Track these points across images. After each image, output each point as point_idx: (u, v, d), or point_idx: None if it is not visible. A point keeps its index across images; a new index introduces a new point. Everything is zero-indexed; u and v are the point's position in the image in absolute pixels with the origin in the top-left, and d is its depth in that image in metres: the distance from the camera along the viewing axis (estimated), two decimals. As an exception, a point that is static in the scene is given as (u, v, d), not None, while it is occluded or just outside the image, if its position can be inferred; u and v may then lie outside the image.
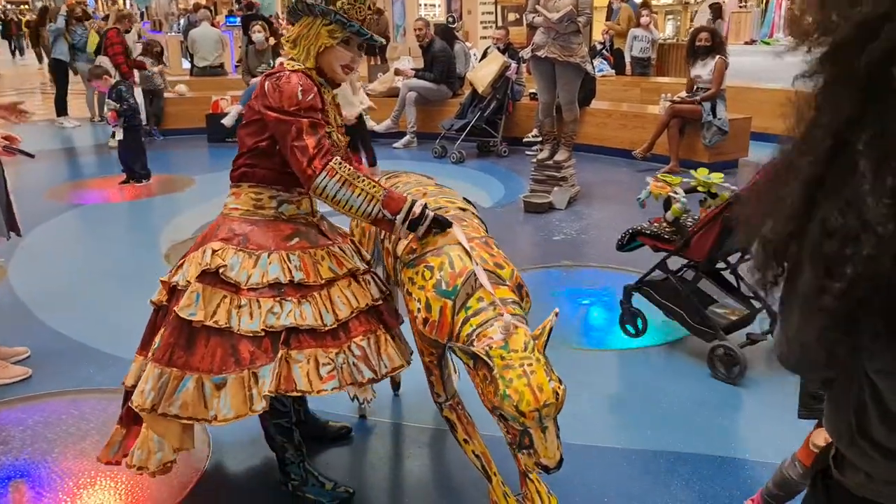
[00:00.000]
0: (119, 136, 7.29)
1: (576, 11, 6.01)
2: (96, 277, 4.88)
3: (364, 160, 6.76)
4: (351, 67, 2.39)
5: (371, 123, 9.10)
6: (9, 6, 35.39)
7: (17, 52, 25.74)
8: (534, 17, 6.23)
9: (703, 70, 7.45)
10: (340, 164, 2.25)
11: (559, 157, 6.69)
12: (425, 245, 2.32)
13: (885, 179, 0.80)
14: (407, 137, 9.28)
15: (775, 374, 3.46)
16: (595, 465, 2.81)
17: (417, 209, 2.28)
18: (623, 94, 10.28)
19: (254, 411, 2.20)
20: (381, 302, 2.46)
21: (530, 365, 1.98)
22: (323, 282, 2.31)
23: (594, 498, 2.62)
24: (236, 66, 12.63)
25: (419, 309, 2.26)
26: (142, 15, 23.00)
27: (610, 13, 13.01)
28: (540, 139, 7.39)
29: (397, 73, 9.83)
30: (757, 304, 3.67)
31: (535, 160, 6.92)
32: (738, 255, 3.65)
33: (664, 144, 7.63)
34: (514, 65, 8.56)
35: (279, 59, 8.14)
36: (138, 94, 9.40)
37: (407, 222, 2.27)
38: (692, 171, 3.74)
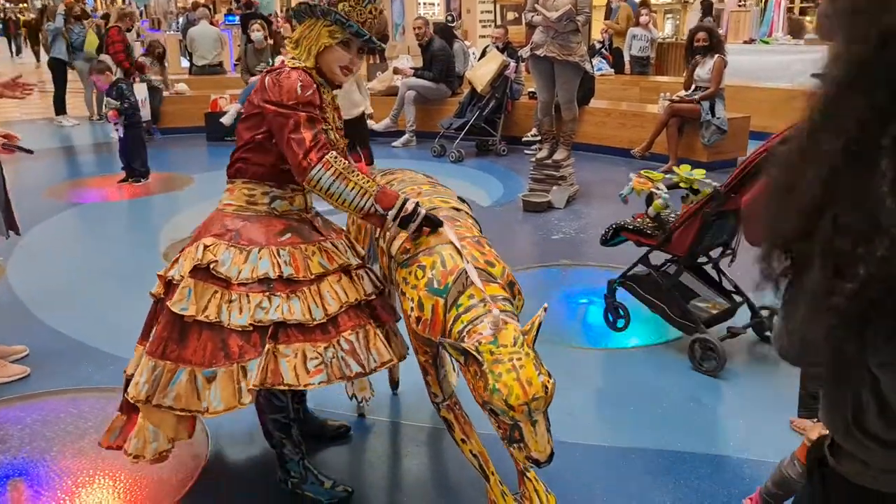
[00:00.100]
0: (120, 134, 7.29)
1: (575, 10, 6.01)
2: (95, 276, 4.88)
3: (362, 159, 6.77)
4: (350, 69, 2.41)
5: (370, 122, 9.11)
6: (8, 4, 35.37)
7: (15, 52, 25.70)
8: (533, 16, 6.23)
9: (702, 69, 7.45)
10: (336, 158, 2.27)
11: (558, 156, 6.69)
12: (418, 245, 2.34)
13: None
14: (406, 136, 9.28)
15: (775, 373, 3.47)
16: (593, 463, 2.82)
17: (410, 206, 2.29)
18: (622, 94, 10.28)
19: (242, 404, 2.23)
20: (374, 297, 2.47)
21: (519, 359, 2.00)
22: (312, 277, 2.32)
23: (593, 497, 2.62)
24: (235, 65, 12.65)
25: (412, 308, 2.27)
26: (140, 13, 22.98)
27: (609, 12, 13.02)
28: (539, 138, 7.40)
29: (396, 71, 9.83)
30: (738, 299, 3.76)
31: (533, 159, 6.93)
32: (720, 250, 3.71)
33: (663, 143, 7.63)
34: (512, 64, 8.56)
35: (279, 58, 8.15)
36: (142, 89, 9.47)
37: (398, 219, 2.29)
38: (675, 168, 3.78)
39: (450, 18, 13.06)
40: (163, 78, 10.40)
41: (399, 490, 2.72)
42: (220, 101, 9.81)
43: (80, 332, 3.95)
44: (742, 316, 3.78)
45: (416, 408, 3.13)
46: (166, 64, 11.09)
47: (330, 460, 2.84)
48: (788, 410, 2.97)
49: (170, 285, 2.37)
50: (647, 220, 3.71)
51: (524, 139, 8.93)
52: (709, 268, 3.84)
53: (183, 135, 9.91)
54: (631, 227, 3.73)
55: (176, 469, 2.78)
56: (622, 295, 3.85)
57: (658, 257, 3.75)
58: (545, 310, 2.15)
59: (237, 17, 14.58)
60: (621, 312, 3.86)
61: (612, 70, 11.77)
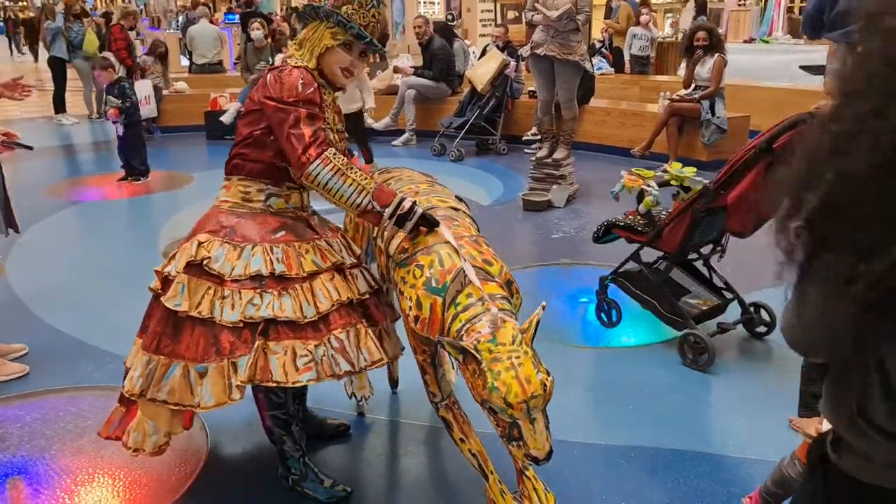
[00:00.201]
0: (119, 132, 7.29)
1: (575, 9, 6.01)
2: (95, 274, 4.88)
3: (360, 158, 6.78)
4: (350, 72, 2.42)
5: (370, 121, 9.11)
6: (7, 2, 35.33)
7: (14, 50, 25.66)
8: (533, 15, 6.23)
9: (702, 68, 7.45)
10: (335, 154, 2.28)
11: (558, 155, 6.69)
12: (416, 245, 2.34)
13: None
14: (406, 135, 9.28)
15: (774, 370, 3.47)
16: (592, 462, 2.82)
17: (407, 205, 2.30)
18: (622, 93, 10.28)
19: (232, 400, 2.25)
20: (367, 296, 2.48)
21: (518, 358, 2.00)
22: (305, 274, 2.33)
23: (591, 495, 2.62)
24: (235, 64, 12.64)
25: (410, 307, 2.27)
26: (140, 12, 22.95)
27: (609, 11, 13.02)
28: (539, 137, 7.40)
29: (396, 70, 9.83)
30: (728, 295, 3.80)
31: (533, 158, 6.93)
32: (710, 247, 3.76)
33: (663, 143, 7.63)
34: (513, 63, 8.56)
35: (279, 56, 8.15)
36: (146, 86, 9.48)
37: (395, 217, 2.29)
38: (666, 165, 3.82)
39: (450, 17, 13.07)
40: (164, 76, 10.40)
41: (398, 489, 2.72)
42: (220, 100, 9.81)
43: (79, 331, 3.95)
44: (732, 312, 3.82)
45: (415, 407, 3.13)
46: (168, 64, 11.09)
47: (329, 459, 2.84)
48: (787, 408, 2.97)
49: (166, 281, 2.39)
50: (638, 217, 3.75)
51: (524, 138, 8.93)
52: (700, 265, 3.88)
53: (182, 133, 9.90)
54: (622, 223, 3.77)
55: (176, 467, 2.78)
56: (614, 292, 3.89)
57: (650, 254, 3.79)
58: (543, 308, 2.15)
59: (237, 16, 14.58)
60: (613, 309, 3.91)
61: (612, 69, 11.77)
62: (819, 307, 0.96)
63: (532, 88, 8.23)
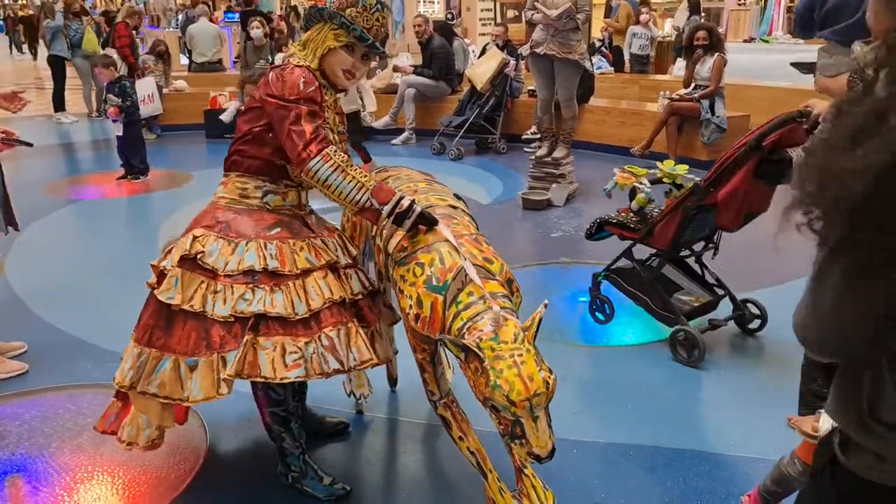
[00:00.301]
0: (119, 131, 7.29)
1: (574, 8, 6.01)
2: (94, 273, 4.88)
3: (357, 159, 6.79)
4: (352, 73, 2.43)
5: (369, 120, 9.11)
6: (7, 1, 35.27)
7: (13, 48, 25.61)
8: (533, 14, 6.23)
9: (702, 67, 7.45)
10: (336, 151, 2.29)
11: (557, 153, 6.69)
12: (416, 243, 2.34)
13: None
14: (405, 134, 9.27)
15: (773, 369, 3.47)
16: (591, 460, 2.82)
17: (405, 203, 2.30)
18: (622, 92, 10.27)
19: (220, 394, 2.27)
20: (360, 297, 2.49)
21: (520, 355, 1.99)
22: (298, 271, 2.34)
23: (591, 493, 2.62)
24: (234, 62, 12.64)
25: (411, 305, 2.27)
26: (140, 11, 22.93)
27: (609, 10, 13.03)
28: (538, 136, 7.40)
29: (396, 69, 9.82)
30: (720, 292, 3.84)
31: (533, 157, 6.93)
32: (702, 244, 3.79)
33: (663, 142, 7.62)
34: (512, 62, 8.55)
35: (279, 55, 8.16)
36: (150, 83, 9.51)
37: (393, 215, 2.29)
38: (658, 163, 3.85)
39: (450, 16, 13.07)
40: (165, 75, 10.40)
41: (397, 487, 2.72)
42: (220, 99, 9.80)
43: (78, 329, 3.95)
44: (725, 310, 3.86)
45: (414, 405, 3.13)
46: (169, 62, 11.08)
47: (328, 457, 2.84)
48: (784, 406, 2.97)
49: (162, 275, 2.40)
50: (631, 214, 3.78)
51: (523, 137, 8.92)
52: (692, 261, 3.91)
53: (182, 132, 9.89)
54: (614, 221, 3.80)
55: (175, 464, 2.78)
56: (607, 289, 3.93)
57: (643, 252, 3.82)
58: (545, 306, 2.15)
59: (237, 14, 14.57)
60: (605, 306, 3.95)
61: (612, 68, 11.76)
62: (835, 306, 0.95)
63: (532, 87, 8.23)
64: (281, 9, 20.07)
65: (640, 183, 3.71)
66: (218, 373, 2.26)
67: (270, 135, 2.35)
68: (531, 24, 6.56)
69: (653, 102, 8.62)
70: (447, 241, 2.28)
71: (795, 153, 3.12)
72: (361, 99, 6.90)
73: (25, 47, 23.18)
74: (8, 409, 3.21)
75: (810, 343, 1.04)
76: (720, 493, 2.62)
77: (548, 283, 4.78)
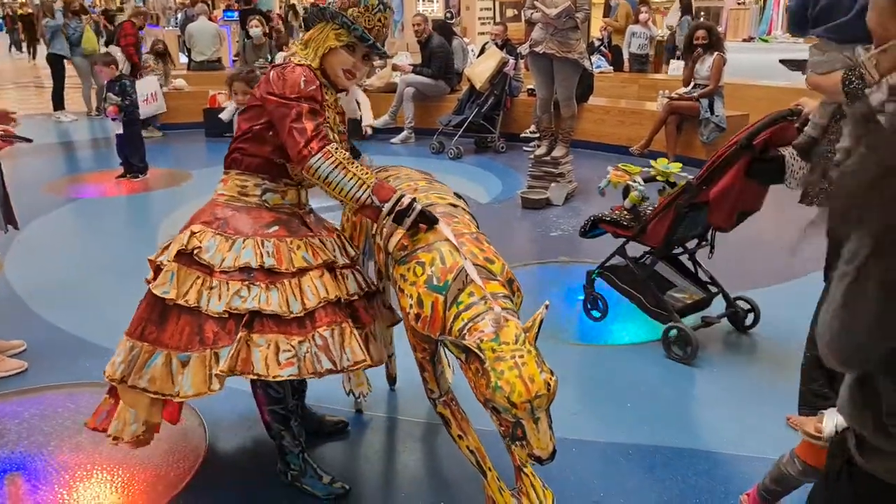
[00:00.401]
0: (118, 130, 7.28)
1: (574, 7, 6.01)
2: (93, 271, 4.88)
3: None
4: (353, 73, 2.43)
5: (368, 118, 9.10)
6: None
7: (13, 47, 25.55)
8: (532, 13, 6.23)
9: (702, 67, 7.45)
10: (337, 149, 2.29)
11: (557, 153, 6.70)
12: (416, 242, 2.34)
13: None
14: (404, 133, 9.27)
15: (771, 368, 3.48)
16: (591, 459, 2.82)
17: (406, 201, 2.30)
18: (621, 91, 10.28)
19: (212, 391, 2.26)
20: (356, 298, 2.49)
21: (521, 357, 1.99)
22: (294, 270, 2.34)
23: (590, 492, 2.63)
24: (234, 61, 12.64)
25: (411, 305, 2.26)
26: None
27: (608, 9, 13.03)
28: (538, 135, 7.40)
29: (395, 68, 9.83)
30: (713, 289, 3.87)
31: (532, 156, 6.93)
32: (696, 241, 3.82)
33: (662, 141, 7.63)
34: (511, 61, 8.55)
35: (280, 54, 8.17)
36: (153, 82, 9.55)
37: (393, 213, 2.29)
38: (652, 162, 3.89)
39: (449, 15, 13.07)
40: (165, 73, 10.40)
41: (396, 485, 2.72)
42: (219, 97, 9.78)
43: (77, 327, 3.95)
44: (718, 307, 3.89)
45: (413, 404, 3.13)
46: (169, 61, 11.08)
47: (328, 455, 2.84)
48: (781, 404, 2.97)
49: (158, 269, 2.41)
50: (624, 212, 3.81)
51: (522, 135, 8.94)
52: (685, 259, 3.94)
53: (181, 130, 9.89)
54: (608, 218, 3.84)
55: (174, 463, 2.79)
56: (601, 286, 3.96)
57: (638, 249, 3.84)
58: (546, 307, 2.14)
59: (236, 13, 14.56)
60: (599, 303, 3.99)
61: (611, 67, 11.77)
62: (878, 318, 0.95)
63: (531, 86, 8.23)
64: (280, 7, 20.06)
65: (634, 181, 3.74)
66: (210, 369, 2.26)
67: (271, 133, 2.35)
68: (530, 23, 6.56)
69: (652, 101, 8.62)
70: (448, 240, 2.28)
71: (787, 152, 3.13)
72: (360, 108, 6.90)
73: (25, 46, 23.11)
74: (7, 408, 3.21)
75: (842, 353, 1.04)
76: (719, 492, 2.62)
77: (547, 282, 4.78)
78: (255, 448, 2.90)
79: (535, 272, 4.88)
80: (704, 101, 7.47)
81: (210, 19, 12.84)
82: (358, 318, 2.48)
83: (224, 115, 9.20)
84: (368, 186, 2.29)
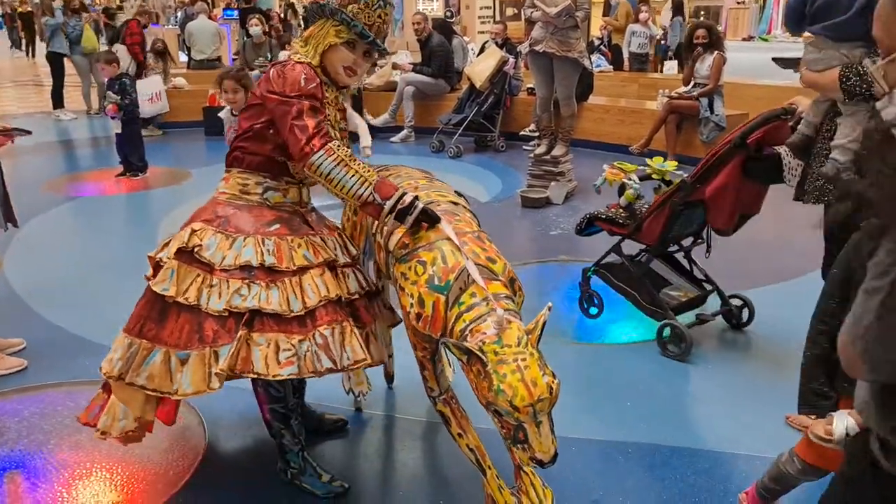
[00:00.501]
0: (117, 129, 7.28)
1: (574, 6, 6.01)
2: (93, 270, 4.88)
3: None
4: (353, 70, 2.42)
5: (368, 117, 9.10)
6: (6, -3, 35.12)
7: (13, 45, 25.51)
8: (532, 12, 6.23)
9: (702, 66, 7.45)
10: (338, 146, 2.29)
11: (556, 152, 6.70)
12: (417, 240, 2.33)
13: None
14: (404, 132, 9.27)
15: (769, 368, 3.48)
16: (590, 458, 2.82)
17: (407, 199, 2.29)
18: (621, 90, 10.28)
19: (211, 389, 2.25)
20: (357, 297, 2.48)
21: (524, 360, 1.98)
22: (295, 268, 2.33)
23: (589, 491, 2.63)
24: (233, 60, 12.63)
25: (412, 304, 2.25)
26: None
27: (608, 8, 13.03)
28: (537, 134, 7.40)
29: (395, 67, 9.83)
30: (708, 287, 3.89)
31: (532, 155, 6.93)
32: (691, 239, 3.84)
33: (662, 140, 7.63)
34: (511, 59, 8.55)
35: (283, 53, 8.18)
36: (157, 82, 9.60)
37: (395, 211, 2.28)
38: (647, 160, 3.91)
39: (449, 14, 13.07)
40: (164, 72, 10.41)
41: (395, 484, 2.72)
42: (219, 96, 9.79)
43: (77, 326, 3.95)
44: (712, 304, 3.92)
45: (412, 402, 3.13)
46: (169, 60, 11.08)
47: (327, 454, 2.84)
48: (778, 402, 2.98)
49: (158, 266, 2.40)
50: (620, 210, 3.82)
51: (521, 133, 8.94)
52: (680, 257, 3.96)
53: (181, 129, 9.89)
54: (604, 216, 3.86)
55: (174, 461, 2.79)
56: (597, 284, 3.98)
57: (633, 247, 3.86)
58: (549, 309, 2.13)
59: (236, 12, 14.55)
60: (595, 300, 4.02)
61: (611, 66, 11.77)
62: None
63: (531, 85, 8.23)
64: (280, 6, 20.05)
65: (629, 179, 3.77)
66: (210, 367, 2.25)
67: (271, 131, 2.34)
68: (530, 22, 6.56)
69: (652, 101, 8.63)
70: (449, 239, 2.27)
71: (782, 150, 3.14)
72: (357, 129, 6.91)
73: (24, 44, 23.08)
74: (7, 406, 3.21)
75: (879, 366, 1.04)
76: (718, 491, 2.63)
77: (546, 281, 4.78)
78: (255, 446, 2.90)
79: (535, 271, 4.88)
80: (704, 101, 7.47)
81: (210, 18, 12.82)
82: (359, 317, 2.47)
83: (224, 114, 9.24)
84: (370, 184, 2.28)
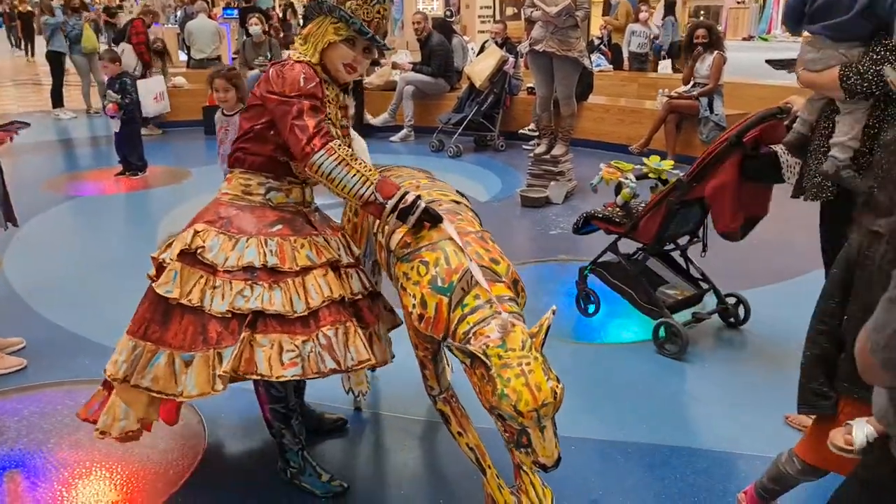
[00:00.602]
0: (116, 128, 7.28)
1: (574, 6, 6.01)
2: (92, 269, 4.88)
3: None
4: (354, 67, 2.40)
5: (367, 117, 9.12)
6: (6, -4, 35.08)
7: (14, 44, 25.48)
8: (532, 12, 6.23)
9: (702, 65, 7.46)
10: (340, 145, 2.28)
11: (556, 151, 6.70)
12: (420, 240, 2.32)
13: None
14: (404, 131, 9.27)
15: (767, 368, 3.48)
16: (589, 458, 2.82)
17: (409, 198, 2.28)
18: (620, 90, 10.28)
19: (215, 391, 2.25)
20: (360, 298, 2.48)
21: (528, 364, 1.97)
22: (298, 269, 2.32)
23: (588, 490, 2.63)
24: (233, 59, 12.61)
25: (414, 305, 2.24)
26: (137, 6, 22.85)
27: (608, 8, 13.04)
28: (537, 133, 7.40)
29: (395, 66, 9.83)
30: (704, 286, 3.91)
31: (531, 155, 6.93)
32: (687, 238, 3.86)
33: (661, 140, 7.64)
34: (511, 59, 8.55)
35: (287, 52, 8.19)
36: (160, 82, 9.65)
37: (397, 210, 2.28)
38: (644, 159, 3.92)
39: (449, 13, 13.07)
40: (163, 72, 10.41)
41: (395, 483, 2.72)
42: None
43: (76, 325, 3.95)
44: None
45: (412, 401, 3.13)
46: (167, 59, 11.09)
47: (327, 453, 2.84)
48: (776, 401, 2.98)
49: (161, 267, 2.39)
50: (616, 208, 3.84)
51: (520, 132, 8.94)
52: (677, 255, 3.97)
53: (181, 128, 9.89)
54: (600, 215, 3.88)
55: (174, 460, 2.79)
56: (594, 283, 4.00)
57: (630, 246, 3.87)
58: (554, 312, 2.12)
59: (235, 11, 14.54)
60: (592, 298, 4.04)
61: (611, 66, 11.77)
62: None
63: (530, 85, 8.23)
64: (279, 6, 20.05)
65: (626, 178, 3.78)
66: (214, 369, 2.24)
67: (272, 132, 2.34)
68: (530, 22, 6.55)
69: (651, 100, 8.63)
70: (452, 239, 2.26)
71: (779, 148, 3.14)
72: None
73: (22, 43, 23.07)
74: (6, 405, 3.21)
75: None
76: (717, 491, 2.63)
77: (546, 280, 4.79)
78: (254, 445, 2.90)
79: (535, 270, 4.88)
80: (704, 100, 7.48)
81: (209, 17, 12.82)
82: (362, 318, 2.46)
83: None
84: (372, 183, 2.28)
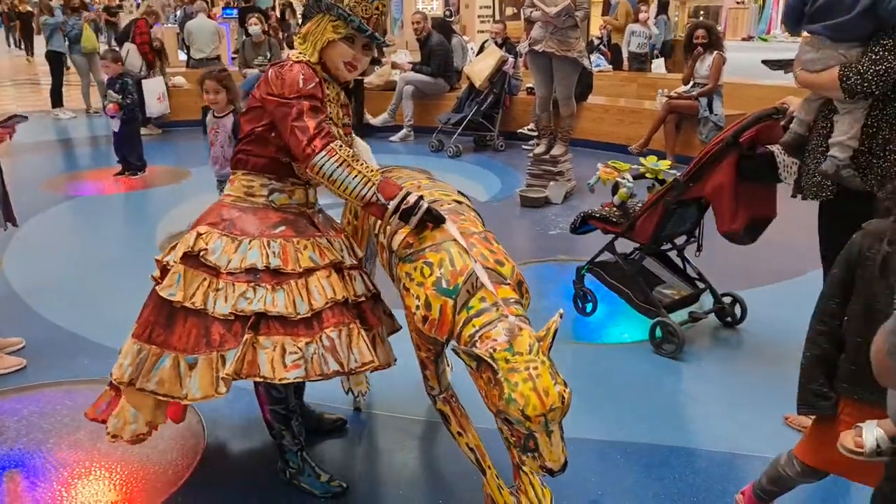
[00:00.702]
0: (115, 128, 7.28)
1: (573, 6, 6.01)
2: (92, 268, 4.88)
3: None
4: (354, 65, 2.39)
5: (367, 117, 9.12)
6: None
7: (13, 44, 25.45)
8: (531, 12, 6.23)
9: (701, 65, 7.46)
10: (341, 146, 2.26)
11: (556, 151, 6.71)
12: (422, 240, 2.31)
13: None
14: (404, 131, 9.27)
15: (766, 368, 3.48)
16: (589, 457, 2.82)
17: (412, 199, 2.27)
18: (620, 90, 10.29)
19: (219, 393, 2.24)
20: (364, 300, 2.47)
21: (536, 368, 1.95)
22: (301, 270, 2.31)
23: (588, 490, 2.63)
24: (233, 58, 12.61)
25: (418, 306, 2.23)
26: (137, 6, 22.84)
27: (607, 8, 13.04)
28: (536, 133, 7.40)
29: (394, 66, 9.83)
30: (701, 285, 3.93)
31: (531, 155, 6.93)
32: (684, 238, 3.87)
33: (661, 140, 7.64)
34: (511, 59, 8.56)
35: (286, 52, 8.18)
36: (160, 83, 9.66)
37: (399, 211, 2.27)
38: (641, 159, 3.94)
39: (448, 13, 13.06)
40: (162, 71, 10.41)
41: (394, 484, 2.72)
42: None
43: (76, 325, 3.95)
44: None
45: (412, 402, 3.13)
46: (165, 59, 11.08)
47: (326, 453, 2.85)
48: (780, 404, 2.98)
49: (165, 270, 2.39)
50: (614, 208, 3.86)
51: (520, 132, 8.95)
52: (674, 255, 3.98)
53: (180, 128, 9.89)
54: (598, 215, 3.90)
55: (173, 460, 2.79)
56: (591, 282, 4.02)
57: (627, 246, 3.88)
58: (561, 316, 2.10)
59: (235, 11, 14.54)
60: (589, 298, 4.07)
61: (611, 66, 11.77)
62: None
63: (530, 85, 8.23)
64: (278, 6, 20.04)
65: (623, 178, 3.79)
66: (217, 371, 2.24)
67: (273, 134, 2.32)
68: (530, 22, 6.56)
69: (651, 100, 8.64)
70: (456, 240, 2.26)
71: (775, 148, 3.14)
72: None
73: (21, 43, 23.05)
74: (6, 405, 3.21)
75: None
76: (716, 491, 2.63)
77: (545, 280, 4.79)
78: (254, 446, 2.90)
79: (534, 270, 4.87)
80: (703, 100, 7.48)
81: (209, 16, 12.81)
82: (365, 320, 2.45)
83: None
84: (374, 184, 2.27)
